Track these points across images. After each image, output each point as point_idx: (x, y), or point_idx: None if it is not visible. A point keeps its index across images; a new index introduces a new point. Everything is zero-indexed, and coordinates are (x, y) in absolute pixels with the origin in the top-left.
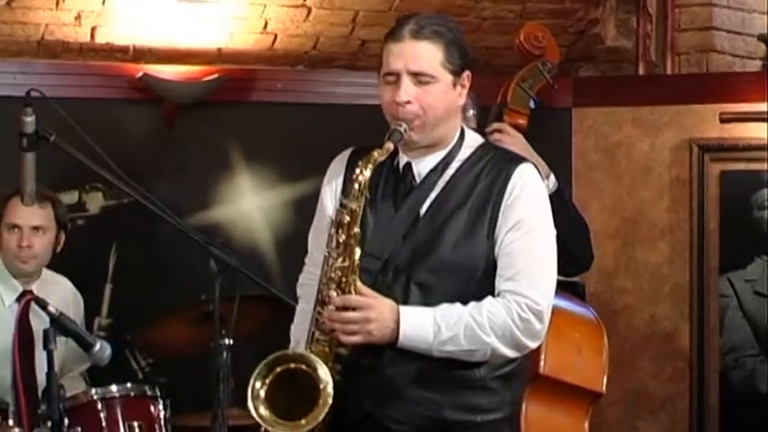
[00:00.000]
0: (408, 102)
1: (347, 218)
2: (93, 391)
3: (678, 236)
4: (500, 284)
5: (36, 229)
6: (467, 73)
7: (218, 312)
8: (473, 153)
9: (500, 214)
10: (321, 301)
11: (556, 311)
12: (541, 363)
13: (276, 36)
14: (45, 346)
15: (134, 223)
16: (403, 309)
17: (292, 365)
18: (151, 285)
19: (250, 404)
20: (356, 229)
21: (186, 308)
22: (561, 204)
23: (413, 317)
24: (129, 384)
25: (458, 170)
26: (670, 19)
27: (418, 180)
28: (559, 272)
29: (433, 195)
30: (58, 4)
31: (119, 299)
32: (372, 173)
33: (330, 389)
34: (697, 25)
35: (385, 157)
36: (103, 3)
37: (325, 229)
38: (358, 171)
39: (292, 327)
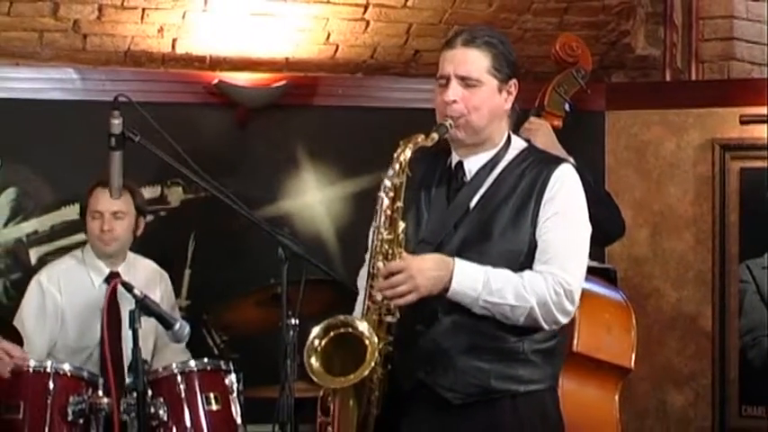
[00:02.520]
0: (455, 101)
1: (391, 193)
2: (174, 365)
3: (702, 227)
4: (536, 266)
5: (116, 214)
6: (513, 81)
7: (286, 295)
8: (519, 154)
9: (541, 206)
10: (372, 275)
11: (588, 294)
12: (575, 341)
13: (337, 46)
14: (131, 325)
15: (210, 215)
16: (456, 259)
17: (343, 330)
18: (226, 270)
19: (306, 357)
20: (399, 204)
21: (257, 290)
22: (584, 184)
23: (466, 266)
24: (205, 359)
25: (504, 169)
26: (694, 30)
27: (469, 177)
28: (594, 243)
29: (482, 191)
30: (142, 18)
31: (197, 282)
32: (413, 153)
33: (375, 352)
34: (719, 36)
35: (428, 144)
36: (183, 17)
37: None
38: (400, 150)
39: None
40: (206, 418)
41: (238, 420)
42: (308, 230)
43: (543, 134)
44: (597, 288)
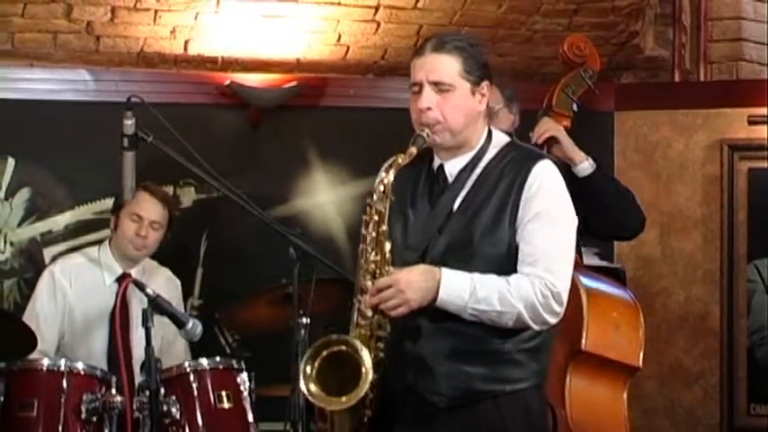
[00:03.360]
0: (429, 108)
1: (375, 217)
2: (186, 363)
3: (710, 227)
4: (521, 268)
5: (153, 223)
6: (485, 83)
7: (297, 294)
8: (499, 152)
9: (520, 206)
10: (360, 290)
11: (596, 293)
12: (583, 340)
13: (348, 48)
14: (143, 324)
15: (222, 214)
16: (443, 269)
17: (336, 348)
18: (237, 269)
19: (302, 384)
20: (384, 227)
21: (268, 290)
22: (604, 178)
23: (452, 276)
24: (217, 358)
25: (485, 168)
26: (703, 31)
27: (450, 179)
28: (616, 236)
29: (463, 193)
30: (155, 19)
31: (209, 281)
32: (396, 175)
33: (371, 370)
34: (728, 37)
35: (408, 161)
36: (196, 18)
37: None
38: (384, 174)
39: None
40: (218, 416)
41: (250, 419)
42: (319, 230)
43: (562, 135)
44: (605, 287)
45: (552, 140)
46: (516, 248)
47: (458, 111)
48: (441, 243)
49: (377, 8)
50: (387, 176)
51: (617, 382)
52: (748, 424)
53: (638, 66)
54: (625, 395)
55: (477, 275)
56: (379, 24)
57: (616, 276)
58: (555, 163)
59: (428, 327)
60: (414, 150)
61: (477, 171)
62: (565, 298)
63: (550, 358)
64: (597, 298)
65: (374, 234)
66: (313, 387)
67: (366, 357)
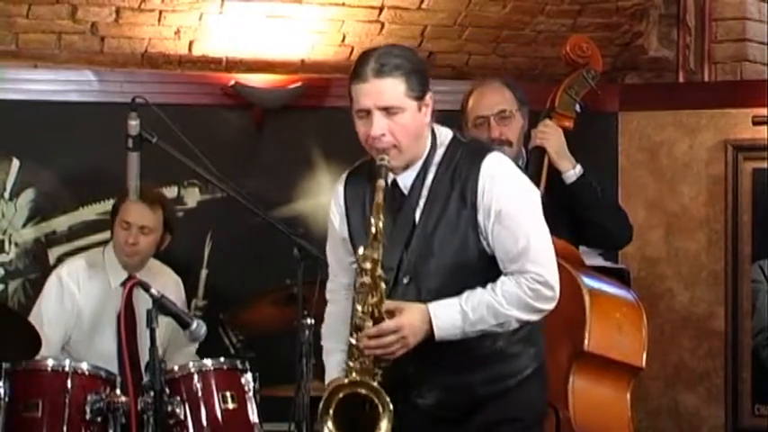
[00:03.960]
0: (383, 134)
1: (369, 264)
2: (191, 364)
3: (714, 227)
4: (505, 268)
5: (143, 228)
6: (429, 95)
7: (301, 294)
8: (445, 152)
9: (479, 211)
10: (357, 328)
11: (599, 294)
12: (586, 340)
13: (353, 48)
14: (148, 325)
15: (227, 215)
16: (431, 306)
17: (349, 392)
18: (242, 270)
19: (320, 424)
20: (379, 272)
21: (273, 290)
22: (585, 187)
23: (441, 311)
24: (222, 359)
25: (436, 174)
26: (707, 31)
27: (406, 192)
28: (601, 247)
29: (421, 203)
30: (159, 20)
31: (213, 282)
32: (348, 197)
33: (390, 410)
34: (732, 37)
35: (383, 195)
36: (200, 19)
37: (337, 245)
38: (373, 221)
39: (323, 327)
40: (222, 416)
41: (254, 419)
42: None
43: (555, 139)
44: (608, 287)
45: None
46: (485, 251)
47: (409, 131)
48: (411, 257)
49: (381, 9)
50: (376, 223)
51: (620, 383)
52: (753, 424)
53: (642, 66)
54: (628, 396)
55: (464, 297)
56: (383, 25)
57: (620, 277)
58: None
59: (418, 346)
60: (381, 183)
61: (430, 177)
62: (554, 280)
63: (547, 348)
64: (600, 298)
65: (369, 279)
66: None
67: (389, 405)
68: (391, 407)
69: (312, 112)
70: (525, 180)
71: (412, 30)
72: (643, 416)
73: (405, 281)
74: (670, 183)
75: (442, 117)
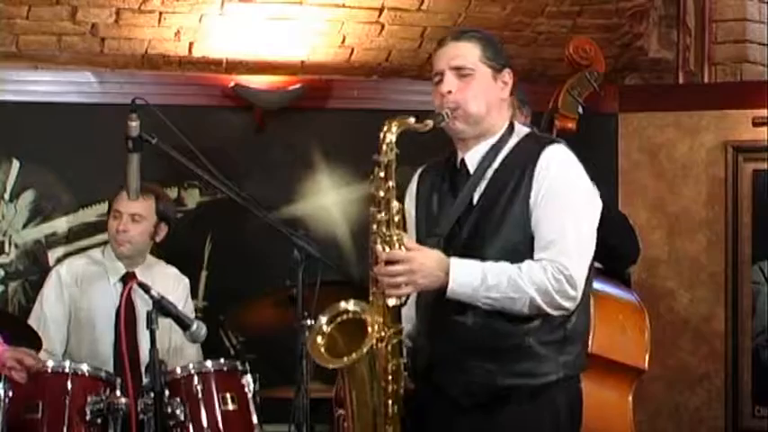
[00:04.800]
0: (450, 91)
1: (381, 173)
2: (191, 365)
3: (714, 228)
4: (536, 254)
5: (134, 216)
6: (507, 70)
7: (301, 296)
8: (519, 142)
9: (531, 192)
10: (374, 259)
11: (602, 296)
12: (589, 342)
13: (353, 49)
14: (148, 326)
15: (227, 216)
16: (453, 259)
17: (349, 316)
18: (242, 272)
19: (310, 338)
20: (390, 183)
21: (273, 292)
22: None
23: (461, 265)
24: (222, 360)
25: (504, 159)
26: (707, 33)
27: (472, 170)
28: (606, 266)
29: (483, 184)
30: (160, 21)
31: (213, 284)
32: (400, 131)
33: (373, 335)
34: (732, 38)
35: (418, 128)
36: (200, 20)
37: (412, 232)
38: (385, 129)
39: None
40: (222, 418)
41: (254, 420)
42: (324, 232)
43: None
44: (611, 289)
45: None
46: (529, 238)
47: (479, 96)
48: (462, 234)
49: (381, 10)
50: (389, 132)
51: (623, 385)
52: (753, 426)
53: (642, 67)
54: (631, 397)
55: (488, 264)
56: (383, 26)
57: (621, 278)
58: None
59: (447, 323)
60: (430, 123)
61: (497, 161)
62: (579, 281)
63: (585, 346)
64: (603, 300)
65: (381, 193)
66: (320, 340)
67: (372, 323)
68: (374, 336)
69: (312, 114)
70: (583, 177)
71: (412, 31)
72: (644, 417)
73: (450, 251)
74: (670, 184)
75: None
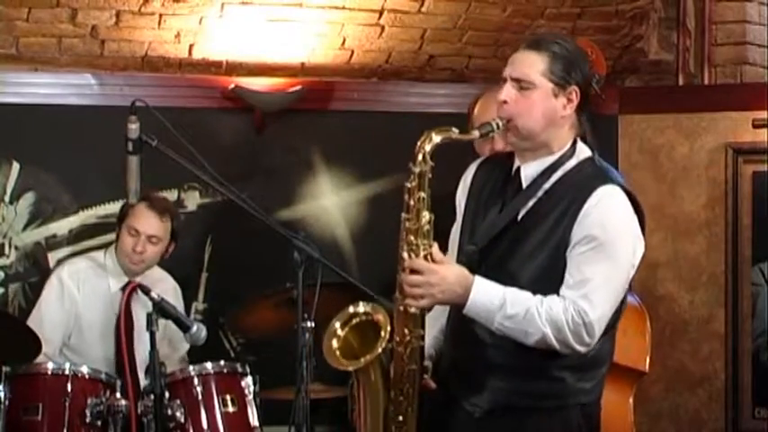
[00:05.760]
0: (505, 102)
1: (414, 182)
2: (191, 367)
3: (714, 230)
4: (562, 291)
5: (151, 237)
6: (573, 88)
7: (302, 298)
8: (577, 165)
9: (574, 226)
10: (400, 265)
11: None
12: None
13: (353, 51)
14: (148, 328)
15: (227, 219)
16: (478, 277)
17: (364, 318)
18: (242, 274)
19: (326, 340)
20: (422, 194)
21: (273, 294)
22: None
23: (484, 287)
24: (222, 362)
25: (559, 180)
26: (707, 34)
27: (525, 183)
28: None
29: (532, 202)
30: (160, 23)
31: (213, 286)
32: (441, 142)
33: (386, 338)
34: (732, 40)
35: (461, 139)
36: (200, 23)
37: (459, 222)
38: (424, 138)
39: None
40: (222, 419)
41: (254, 422)
42: (324, 234)
43: None
44: None
45: None
46: (562, 269)
47: (534, 110)
48: (498, 248)
49: (381, 12)
50: (427, 140)
51: (623, 387)
52: (753, 428)
53: (642, 69)
54: (631, 399)
55: (510, 291)
56: (383, 28)
57: None
58: (627, 191)
59: (469, 337)
60: (476, 134)
61: (552, 180)
62: (598, 332)
63: (605, 373)
64: None
65: (412, 202)
66: (335, 344)
67: (386, 327)
68: (387, 336)
69: (312, 116)
70: (632, 223)
71: (412, 33)
72: (644, 419)
73: (485, 265)
74: (670, 186)
75: (440, 119)
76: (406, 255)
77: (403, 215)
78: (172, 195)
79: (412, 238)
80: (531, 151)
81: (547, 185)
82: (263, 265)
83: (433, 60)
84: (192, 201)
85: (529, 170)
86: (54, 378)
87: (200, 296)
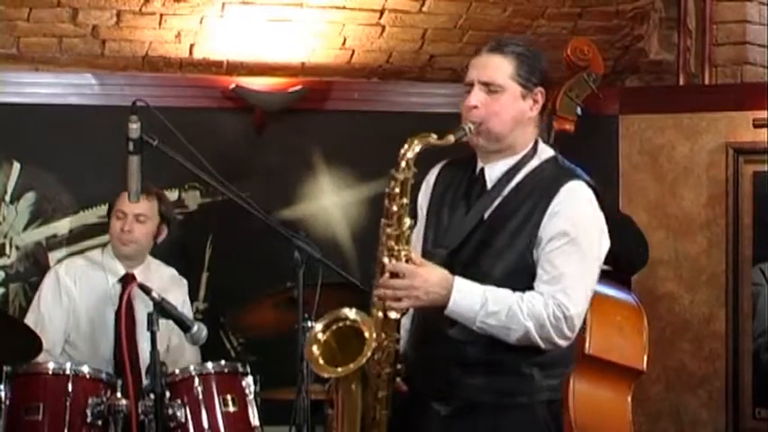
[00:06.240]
0: (475, 107)
1: (397, 189)
2: (192, 367)
3: (715, 230)
4: (538, 286)
5: (138, 216)
6: (540, 89)
7: (302, 298)
8: (540, 164)
9: (543, 223)
10: (380, 269)
11: (600, 297)
12: (587, 343)
13: (353, 51)
14: (149, 328)
15: (227, 218)
16: (457, 279)
17: (343, 324)
18: (242, 273)
19: (307, 346)
20: (405, 200)
21: (274, 293)
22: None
23: (465, 286)
24: (222, 362)
25: (523, 180)
26: (708, 34)
27: (490, 184)
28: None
29: (497, 201)
30: (160, 23)
31: (214, 285)
32: (441, 173)
33: (372, 345)
34: (732, 40)
35: (439, 144)
36: (201, 22)
37: (421, 225)
38: (407, 146)
39: None
40: (223, 419)
41: (255, 422)
42: (325, 234)
43: None
44: (609, 290)
45: None
46: (531, 265)
47: (504, 113)
48: (468, 248)
49: (382, 12)
50: (411, 150)
51: (621, 386)
52: (754, 428)
53: (642, 69)
54: (629, 399)
55: (490, 289)
56: (383, 28)
57: (620, 279)
58: (592, 187)
59: (436, 334)
60: (452, 138)
61: (516, 180)
62: (578, 323)
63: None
64: (601, 302)
65: (394, 207)
66: (315, 350)
67: (371, 335)
68: (374, 340)
69: (313, 115)
70: (598, 220)
71: (412, 33)
72: (643, 419)
73: (456, 266)
74: (671, 186)
75: (440, 119)
76: (387, 260)
77: (383, 221)
78: (172, 195)
79: (393, 243)
80: (495, 152)
81: (512, 185)
82: (263, 265)
83: (433, 60)
84: (193, 200)
85: (493, 171)
86: (55, 378)
87: (201, 296)
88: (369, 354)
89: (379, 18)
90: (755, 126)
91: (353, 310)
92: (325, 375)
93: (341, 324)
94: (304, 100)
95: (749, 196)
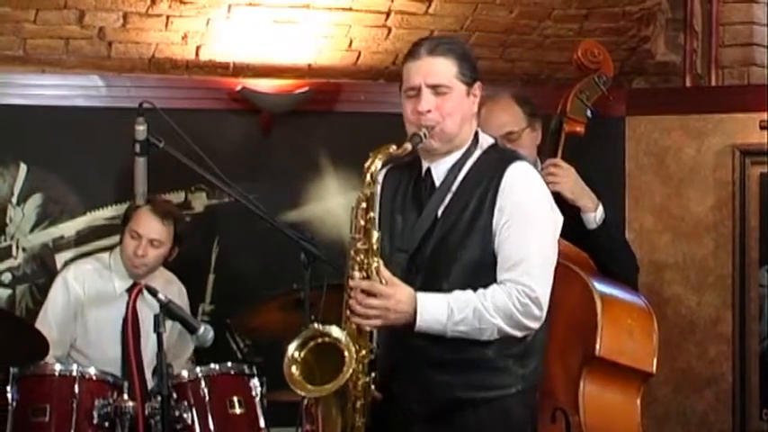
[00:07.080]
0: (429, 111)
1: (363, 204)
2: (198, 369)
3: (721, 232)
4: (500, 275)
5: (153, 241)
6: (478, 84)
7: (308, 299)
8: (482, 154)
9: (495, 210)
10: (349, 285)
11: (610, 299)
12: (597, 346)
13: (360, 53)
14: (155, 329)
15: (234, 220)
16: (420, 296)
17: (321, 340)
18: (249, 275)
19: (285, 367)
20: (372, 214)
21: (280, 295)
22: (605, 235)
23: (429, 303)
24: (229, 363)
25: (468, 172)
26: (714, 36)
27: (438, 183)
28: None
29: (448, 198)
30: (167, 25)
31: (220, 287)
32: (385, 179)
33: (352, 363)
34: (739, 41)
35: (401, 154)
36: (207, 24)
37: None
38: (370, 161)
39: None
40: (229, 421)
41: (262, 424)
42: (331, 235)
43: (567, 180)
44: (619, 293)
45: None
46: (492, 253)
47: (455, 112)
48: (426, 248)
49: (388, 14)
50: (374, 163)
51: (630, 388)
52: (761, 430)
53: (649, 71)
54: (638, 401)
55: (453, 296)
56: (390, 30)
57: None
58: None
59: (409, 335)
60: (409, 146)
61: (462, 174)
62: (545, 301)
63: (543, 358)
64: (611, 304)
65: (362, 222)
66: (295, 370)
67: (351, 349)
68: (354, 357)
69: (319, 117)
70: (547, 196)
71: (419, 34)
72: (651, 421)
73: (416, 267)
74: (677, 187)
75: None
76: (357, 274)
77: (351, 235)
78: (179, 197)
79: (362, 257)
80: (443, 151)
81: (459, 178)
82: (269, 267)
83: None
84: (199, 202)
85: (439, 168)
86: (61, 379)
87: (208, 297)
88: (349, 373)
89: (386, 20)
90: (762, 128)
91: (327, 327)
92: (305, 395)
93: (318, 341)
94: (310, 102)
95: (756, 198)
